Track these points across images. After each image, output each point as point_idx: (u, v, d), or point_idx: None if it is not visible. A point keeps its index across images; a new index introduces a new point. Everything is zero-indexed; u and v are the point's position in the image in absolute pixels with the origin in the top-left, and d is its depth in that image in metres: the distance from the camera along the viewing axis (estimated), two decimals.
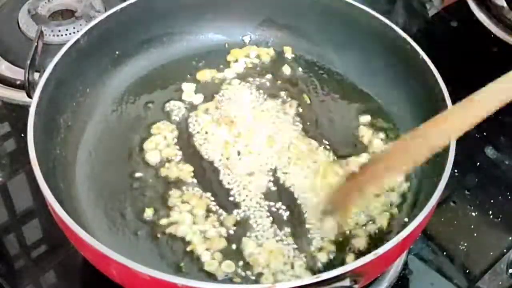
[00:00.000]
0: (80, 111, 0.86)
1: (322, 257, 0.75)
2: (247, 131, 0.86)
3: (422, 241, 0.85)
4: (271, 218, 0.78)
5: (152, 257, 0.74)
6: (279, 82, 0.93)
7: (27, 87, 0.79)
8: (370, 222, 0.78)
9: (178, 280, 0.62)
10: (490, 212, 0.88)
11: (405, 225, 0.71)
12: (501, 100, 0.68)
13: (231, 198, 0.80)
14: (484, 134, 0.97)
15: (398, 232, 0.68)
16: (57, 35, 1.02)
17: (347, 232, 0.77)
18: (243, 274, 0.73)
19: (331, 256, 0.75)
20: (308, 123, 0.88)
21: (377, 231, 0.77)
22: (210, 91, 0.91)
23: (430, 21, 1.18)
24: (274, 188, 0.81)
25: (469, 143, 0.93)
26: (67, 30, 1.03)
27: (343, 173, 0.81)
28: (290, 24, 0.96)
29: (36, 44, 0.82)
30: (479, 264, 0.83)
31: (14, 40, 1.04)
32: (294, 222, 0.78)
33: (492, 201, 0.89)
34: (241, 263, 0.74)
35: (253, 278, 0.73)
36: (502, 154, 0.95)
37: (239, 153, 0.84)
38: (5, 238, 0.84)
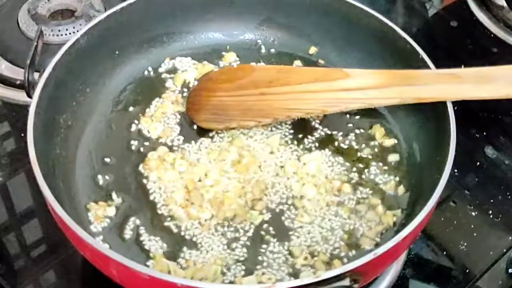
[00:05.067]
0: (80, 111, 0.86)
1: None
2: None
3: (422, 241, 0.85)
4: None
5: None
6: None
7: (27, 87, 0.79)
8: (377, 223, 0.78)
9: (178, 280, 0.62)
10: (490, 212, 0.88)
11: (405, 225, 0.71)
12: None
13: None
14: (484, 134, 0.97)
15: (398, 232, 0.68)
16: (57, 35, 1.02)
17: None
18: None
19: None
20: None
21: (384, 231, 0.78)
22: None
23: (430, 21, 1.18)
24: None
25: (469, 143, 0.94)
26: (67, 30, 1.03)
27: None
28: (290, 24, 0.96)
29: (36, 44, 0.82)
30: (479, 264, 0.83)
31: (14, 40, 1.04)
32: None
33: (492, 201, 0.89)
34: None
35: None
36: (502, 154, 0.95)
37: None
38: (5, 238, 0.84)
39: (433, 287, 0.83)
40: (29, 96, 0.79)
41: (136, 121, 0.88)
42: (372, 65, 0.87)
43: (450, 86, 0.77)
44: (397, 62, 0.86)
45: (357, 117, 0.89)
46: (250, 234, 0.77)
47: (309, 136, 0.87)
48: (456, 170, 0.89)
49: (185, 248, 0.76)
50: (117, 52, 0.91)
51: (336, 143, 0.86)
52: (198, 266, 0.74)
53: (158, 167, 0.82)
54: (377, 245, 0.76)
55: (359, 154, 0.85)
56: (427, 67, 0.82)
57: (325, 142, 0.86)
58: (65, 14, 1.07)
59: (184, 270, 0.73)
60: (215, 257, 0.75)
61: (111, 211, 0.78)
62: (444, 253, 0.84)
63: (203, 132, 0.87)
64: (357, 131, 0.88)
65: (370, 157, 0.85)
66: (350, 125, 0.88)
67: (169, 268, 0.73)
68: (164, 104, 0.89)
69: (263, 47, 0.97)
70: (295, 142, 0.86)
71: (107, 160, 0.83)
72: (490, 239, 0.86)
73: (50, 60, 0.80)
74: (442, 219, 0.87)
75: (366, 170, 0.83)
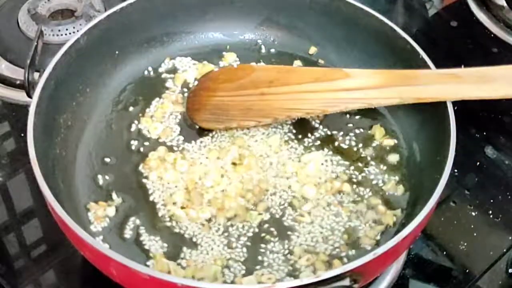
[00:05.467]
0: (80, 111, 0.86)
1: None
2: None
3: (422, 241, 0.85)
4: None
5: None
6: None
7: (27, 87, 0.79)
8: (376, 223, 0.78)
9: (178, 280, 0.62)
10: (490, 212, 0.88)
11: (405, 225, 0.71)
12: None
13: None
14: (484, 134, 0.97)
15: (398, 232, 0.68)
16: (57, 35, 1.02)
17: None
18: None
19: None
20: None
21: (384, 231, 0.78)
22: None
23: (430, 21, 1.18)
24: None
25: (469, 143, 0.94)
26: (67, 29, 1.03)
27: None
28: (290, 24, 0.96)
29: (36, 43, 0.82)
30: (479, 264, 0.83)
31: (14, 40, 1.04)
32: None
33: (492, 201, 0.89)
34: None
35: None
36: (502, 154, 0.95)
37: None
38: (5, 238, 0.84)
39: (433, 287, 0.83)
40: (29, 96, 0.79)
41: (136, 121, 0.88)
42: (372, 65, 0.87)
43: (450, 86, 0.77)
44: (397, 62, 0.86)
45: (357, 117, 0.89)
46: (250, 234, 0.77)
47: (309, 136, 0.87)
48: (456, 170, 0.89)
49: (185, 248, 0.76)
50: (117, 52, 0.91)
51: (336, 143, 0.86)
52: (198, 266, 0.74)
53: (158, 167, 0.82)
54: (377, 245, 0.76)
55: (359, 154, 0.85)
56: (427, 67, 0.82)
57: (325, 142, 0.86)
58: (65, 14, 1.08)
59: (184, 270, 0.73)
60: (215, 257, 0.75)
61: (111, 211, 0.78)
62: (444, 253, 0.84)
63: (203, 132, 0.87)
64: (357, 131, 0.88)
65: (370, 157, 0.85)
66: (350, 125, 0.88)
67: (169, 268, 0.73)
68: (164, 104, 0.89)
69: (263, 47, 0.97)
70: (295, 142, 0.86)
71: (107, 160, 0.83)
72: (490, 239, 0.86)
73: (50, 60, 0.80)
74: (442, 219, 0.87)
75: (366, 170, 0.84)
